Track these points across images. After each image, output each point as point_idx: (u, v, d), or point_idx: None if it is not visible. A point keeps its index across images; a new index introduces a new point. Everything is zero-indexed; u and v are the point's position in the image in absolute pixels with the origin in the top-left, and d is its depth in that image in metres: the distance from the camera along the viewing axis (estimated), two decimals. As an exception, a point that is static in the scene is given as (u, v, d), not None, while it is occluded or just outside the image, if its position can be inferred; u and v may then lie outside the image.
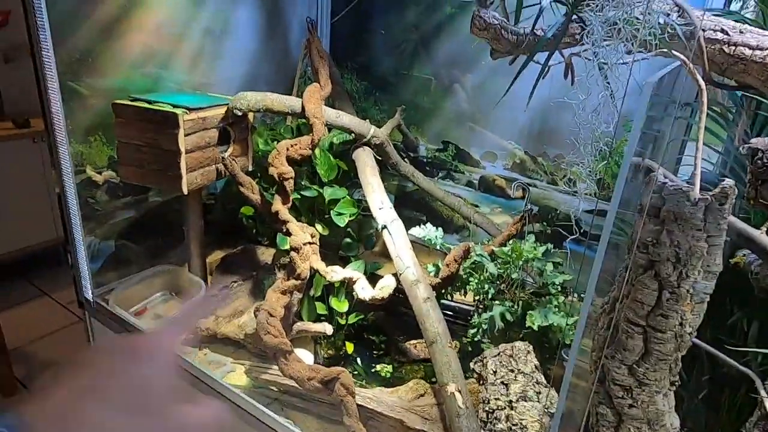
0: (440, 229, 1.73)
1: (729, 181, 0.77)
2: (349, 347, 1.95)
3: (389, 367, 1.86)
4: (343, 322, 1.91)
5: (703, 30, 1.09)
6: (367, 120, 2.06)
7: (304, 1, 2.32)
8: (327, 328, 1.73)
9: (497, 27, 1.06)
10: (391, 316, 1.98)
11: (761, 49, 1.04)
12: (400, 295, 1.71)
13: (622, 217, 0.92)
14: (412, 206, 2.38)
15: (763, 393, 0.92)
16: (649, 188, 0.80)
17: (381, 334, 2.01)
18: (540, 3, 1.12)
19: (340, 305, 1.86)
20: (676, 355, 0.83)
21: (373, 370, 1.87)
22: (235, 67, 2.10)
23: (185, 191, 1.60)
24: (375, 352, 1.95)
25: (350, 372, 1.57)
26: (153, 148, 1.55)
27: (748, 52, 1.06)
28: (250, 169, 1.93)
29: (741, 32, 1.08)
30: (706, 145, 1.56)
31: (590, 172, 1.16)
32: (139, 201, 1.92)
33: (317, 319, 1.87)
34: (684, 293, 0.78)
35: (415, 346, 1.88)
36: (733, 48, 1.06)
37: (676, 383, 0.87)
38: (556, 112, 1.97)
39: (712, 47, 1.09)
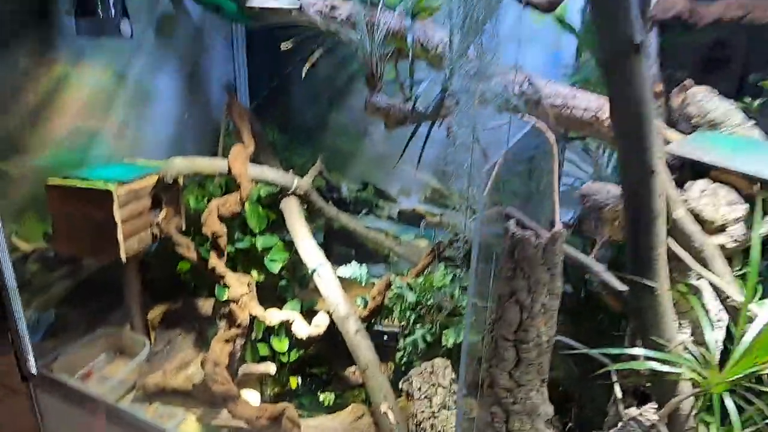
0: (364, 265, 1.94)
1: (559, 225, 1.03)
2: (293, 382, 2.11)
3: (332, 395, 2.04)
4: (285, 359, 2.07)
5: (548, 97, 1.39)
6: (291, 170, 2.25)
7: (222, 64, 2.49)
8: (270, 368, 1.89)
9: (386, 108, 1.30)
10: (331, 346, 2.16)
11: (588, 110, 1.35)
12: (336, 326, 1.91)
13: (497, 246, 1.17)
14: (342, 242, 2.58)
15: (614, 378, 1.19)
16: (505, 237, 1.05)
17: (322, 365, 2.18)
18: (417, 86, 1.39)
19: (281, 344, 2.02)
20: (539, 360, 1.08)
21: (317, 401, 2.04)
22: (161, 132, 2.23)
23: (124, 258, 1.71)
24: (318, 383, 2.13)
25: (296, 405, 1.73)
26: (89, 222, 1.66)
27: (580, 113, 1.36)
28: (184, 227, 2.05)
29: (574, 97, 1.39)
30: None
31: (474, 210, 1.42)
32: (75, 270, 1.99)
33: (261, 359, 2.02)
34: (537, 312, 1.03)
35: (354, 373, 2.07)
36: (570, 111, 1.37)
37: (545, 380, 1.12)
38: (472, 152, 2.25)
39: (555, 110, 1.39)
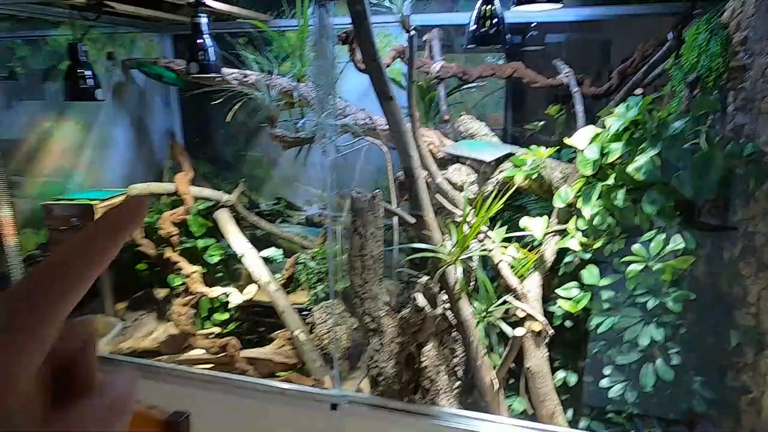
0: (281, 249, 2.75)
1: (378, 191, 1.92)
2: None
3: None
4: (225, 329, 2.79)
5: (380, 126, 2.32)
6: (221, 191, 3.03)
7: (162, 117, 3.26)
8: (214, 330, 2.61)
9: (281, 136, 2.16)
10: (259, 322, 2.91)
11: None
12: (260, 308, 2.69)
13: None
14: (264, 244, 3.35)
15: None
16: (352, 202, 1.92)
17: (254, 333, 2.92)
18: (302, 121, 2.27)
19: (222, 316, 2.75)
20: (375, 266, 1.94)
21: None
22: (118, 168, 2.94)
23: (103, 253, 2.38)
24: (251, 344, 2.85)
25: (236, 349, 2.46)
26: (77, 230, 2.33)
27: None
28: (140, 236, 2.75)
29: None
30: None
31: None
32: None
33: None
34: (369, 236, 1.90)
35: (278, 335, 2.82)
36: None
37: (381, 279, 1.98)
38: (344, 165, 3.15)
39: (384, 132, 2.32)
